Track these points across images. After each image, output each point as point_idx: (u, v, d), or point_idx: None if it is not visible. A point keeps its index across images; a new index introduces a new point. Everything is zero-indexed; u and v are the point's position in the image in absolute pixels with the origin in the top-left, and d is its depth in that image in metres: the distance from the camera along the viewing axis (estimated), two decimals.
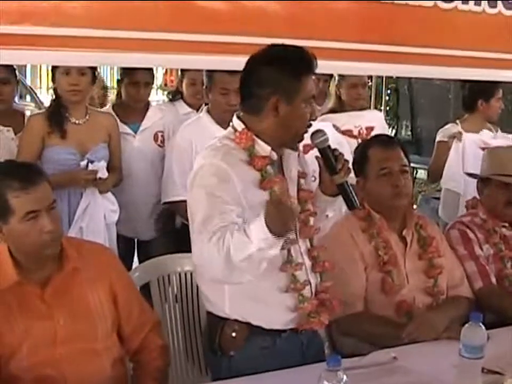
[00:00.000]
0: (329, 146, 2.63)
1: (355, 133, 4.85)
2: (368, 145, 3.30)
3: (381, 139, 3.35)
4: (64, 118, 3.92)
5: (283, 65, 2.57)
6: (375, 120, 5.02)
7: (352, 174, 3.08)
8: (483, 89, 5.01)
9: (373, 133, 4.78)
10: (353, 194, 2.63)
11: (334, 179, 2.64)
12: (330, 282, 2.76)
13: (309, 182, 2.82)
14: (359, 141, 4.72)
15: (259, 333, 2.65)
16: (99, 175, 3.90)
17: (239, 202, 2.53)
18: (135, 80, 4.37)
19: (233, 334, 2.65)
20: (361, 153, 3.28)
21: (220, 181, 2.52)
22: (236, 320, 2.65)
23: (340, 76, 4.99)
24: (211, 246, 2.41)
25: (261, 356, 2.66)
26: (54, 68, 3.90)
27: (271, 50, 2.62)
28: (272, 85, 2.56)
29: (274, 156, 2.64)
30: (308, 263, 2.72)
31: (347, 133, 4.82)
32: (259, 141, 2.62)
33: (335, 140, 4.38)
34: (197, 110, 4.80)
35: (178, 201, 3.92)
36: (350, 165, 2.70)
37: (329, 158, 2.63)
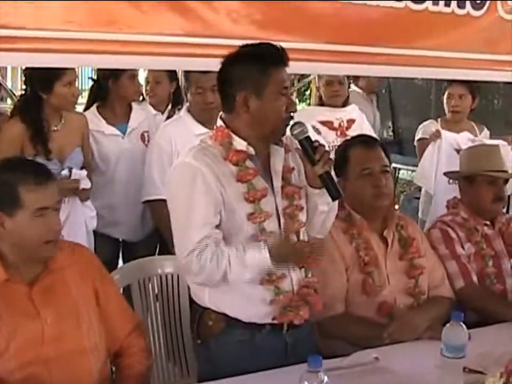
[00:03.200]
0: (307, 137, 2.63)
1: (335, 124, 4.93)
2: (349, 145, 3.29)
3: (362, 139, 3.34)
4: (47, 134, 3.85)
5: (248, 60, 2.63)
6: (355, 114, 5.10)
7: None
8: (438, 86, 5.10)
9: (354, 126, 4.84)
10: (336, 184, 2.62)
11: (315, 170, 2.62)
12: (314, 278, 2.77)
13: (301, 176, 2.78)
14: (338, 133, 4.77)
15: (237, 326, 2.69)
16: (82, 185, 3.87)
17: (215, 199, 2.59)
18: (133, 73, 4.37)
19: (210, 323, 2.71)
20: (341, 153, 3.27)
21: (191, 181, 2.59)
22: (214, 311, 2.70)
23: (318, 75, 5.04)
24: (204, 263, 2.54)
25: (239, 349, 2.69)
26: (49, 79, 3.77)
27: (239, 49, 2.67)
28: (238, 81, 2.62)
29: (251, 150, 2.66)
30: None
31: (327, 124, 4.89)
32: (235, 137, 2.66)
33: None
34: (162, 112, 4.84)
35: (157, 200, 3.94)
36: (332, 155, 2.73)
37: (307, 149, 2.62)
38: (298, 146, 2.67)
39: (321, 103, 5.11)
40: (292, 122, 2.68)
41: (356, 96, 6.06)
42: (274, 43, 2.66)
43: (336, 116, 4.96)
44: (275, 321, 2.69)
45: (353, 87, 6.15)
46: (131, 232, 4.46)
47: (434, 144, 4.92)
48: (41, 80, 3.78)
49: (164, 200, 3.84)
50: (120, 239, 4.52)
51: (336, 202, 2.77)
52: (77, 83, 4.00)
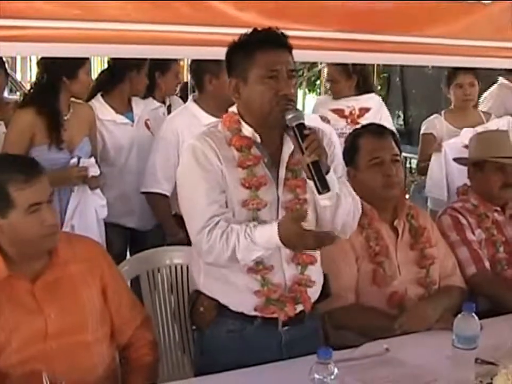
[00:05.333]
0: (300, 124, 2.48)
1: (346, 112, 4.90)
2: (359, 134, 3.27)
3: (372, 128, 3.32)
4: (61, 124, 3.85)
5: (233, 46, 2.60)
6: (371, 103, 5.06)
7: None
8: (446, 76, 5.07)
9: (367, 114, 4.83)
10: (323, 177, 2.44)
11: (304, 159, 2.47)
12: (309, 275, 2.67)
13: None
14: (349, 121, 4.73)
15: (228, 315, 2.66)
16: (91, 173, 3.87)
17: (217, 178, 2.57)
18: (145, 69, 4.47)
19: (201, 309, 2.69)
20: (351, 142, 3.25)
21: (194, 161, 2.58)
22: (207, 297, 2.68)
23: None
24: (214, 242, 2.50)
25: (230, 339, 2.67)
26: (73, 65, 3.82)
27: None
28: (230, 68, 2.62)
29: (257, 137, 2.60)
30: (285, 251, 2.62)
31: (338, 112, 4.87)
32: (243, 123, 2.63)
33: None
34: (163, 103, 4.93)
35: (155, 193, 3.95)
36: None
37: (297, 136, 2.48)
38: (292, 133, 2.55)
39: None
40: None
41: (502, 89, 5.96)
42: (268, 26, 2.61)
43: (347, 104, 4.94)
44: (257, 313, 2.63)
45: (501, 80, 6.02)
46: (142, 221, 4.47)
47: (438, 155, 4.88)
48: (67, 66, 3.80)
49: (162, 195, 3.89)
50: (129, 228, 4.51)
51: (347, 198, 2.61)
52: None
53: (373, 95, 5.18)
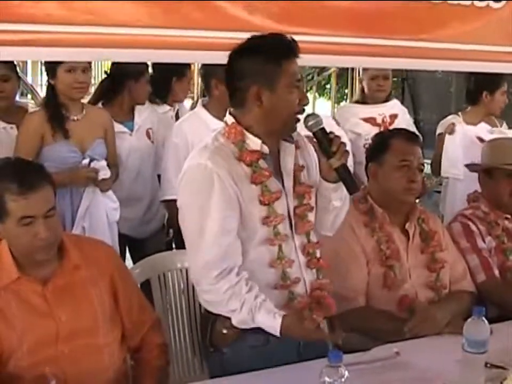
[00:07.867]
0: (322, 129, 2.52)
1: (378, 120, 4.92)
2: (391, 134, 3.29)
3: (405, 132, 3.33)
4: (64, 116, 3.87)
5: (260, 53, 2.52)
6: (397, 109, 5.09)
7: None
8: (488, 82, 4.97)
9: (397, 121, 4.88)
10: (353, 177, 2.54)
11: (331, 163, 2.51)
12: (327, 279, 2.68)
13: (310, 174, 2.72)
14: (382, 129, 4.77)
15: (251, 331, 2.55)
16: (101, 175, 3.88)
17: (233, 202, 2.50)
18: (148, 78, 4.49)
19: (224, 331, 2.59)
20: (381, 140, 3.25)
21: (208, 186, 2.48)
22: (227, 317, 2.57)
23: (363, 68, 5.04)
24: (217, 290, 2.50)
25: (253, 354, 2.60)
26: (53, 64, 3.83)
27: (249, 41, 2.57)
28: (250, 74, 2.52)
29: (266, 149, 2.57)
30: (302, 259, 2.64)
31: (370, 120, 4.89)
32: (249, 135, 2.56)
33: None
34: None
35: (173, 200, 3.96)
36: (348, 147, 2.64)
37: (323, 141, 2.51)
38: (314, 138, 2.57)
39: (363, 97, 5.12)
40: (305, 115, 2.59)
41: None
42: (286, 35, 2.58)
43: (378, 111, 4.95)
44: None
45: None
46: (139, 229, 4.50)
47: (452, 137, 4.89)
48: (48, 67, 3.86)
49: None
50: (126, 235, 4.51)
51: (348, 198, 2.71)
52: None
53: (395, 101, 5.19)
